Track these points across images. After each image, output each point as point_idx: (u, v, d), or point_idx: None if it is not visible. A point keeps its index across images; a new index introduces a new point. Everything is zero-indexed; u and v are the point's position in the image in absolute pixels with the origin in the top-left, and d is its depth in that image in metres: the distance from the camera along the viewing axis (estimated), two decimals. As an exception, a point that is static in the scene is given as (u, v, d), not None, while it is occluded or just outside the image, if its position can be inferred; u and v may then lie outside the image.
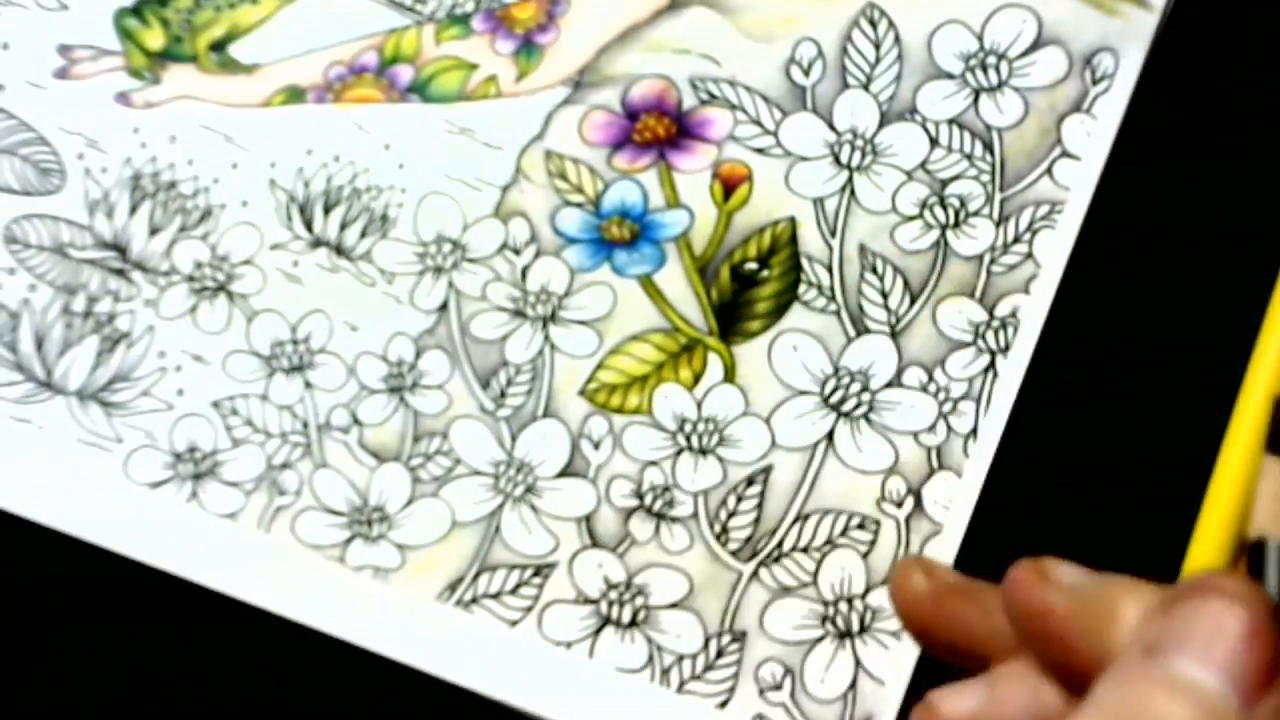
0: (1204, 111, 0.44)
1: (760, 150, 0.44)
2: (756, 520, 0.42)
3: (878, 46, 0.45)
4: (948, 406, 0.42)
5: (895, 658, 0.41)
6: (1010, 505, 0.42)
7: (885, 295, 0.43)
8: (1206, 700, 0.21)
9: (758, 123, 0.44)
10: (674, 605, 0.41)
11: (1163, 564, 0.39)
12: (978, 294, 0.43)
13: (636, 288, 0.43)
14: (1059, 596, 0.26)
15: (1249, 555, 0.25)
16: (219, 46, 0.45)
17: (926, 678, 0.41)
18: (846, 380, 0.43)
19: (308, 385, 0.42)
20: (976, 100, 0.44)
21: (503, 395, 0.42)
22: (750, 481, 0.42)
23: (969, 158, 0.44)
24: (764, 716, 0.41)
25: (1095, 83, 0.44)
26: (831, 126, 0.44)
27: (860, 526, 0.42)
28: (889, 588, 0.29)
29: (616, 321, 0.43)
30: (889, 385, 0.43)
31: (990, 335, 0.43)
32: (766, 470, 0.42)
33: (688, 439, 0.42)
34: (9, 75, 0.44)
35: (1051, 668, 0.26)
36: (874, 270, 0.43)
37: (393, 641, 0.40)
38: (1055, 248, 0.43)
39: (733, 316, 0.43)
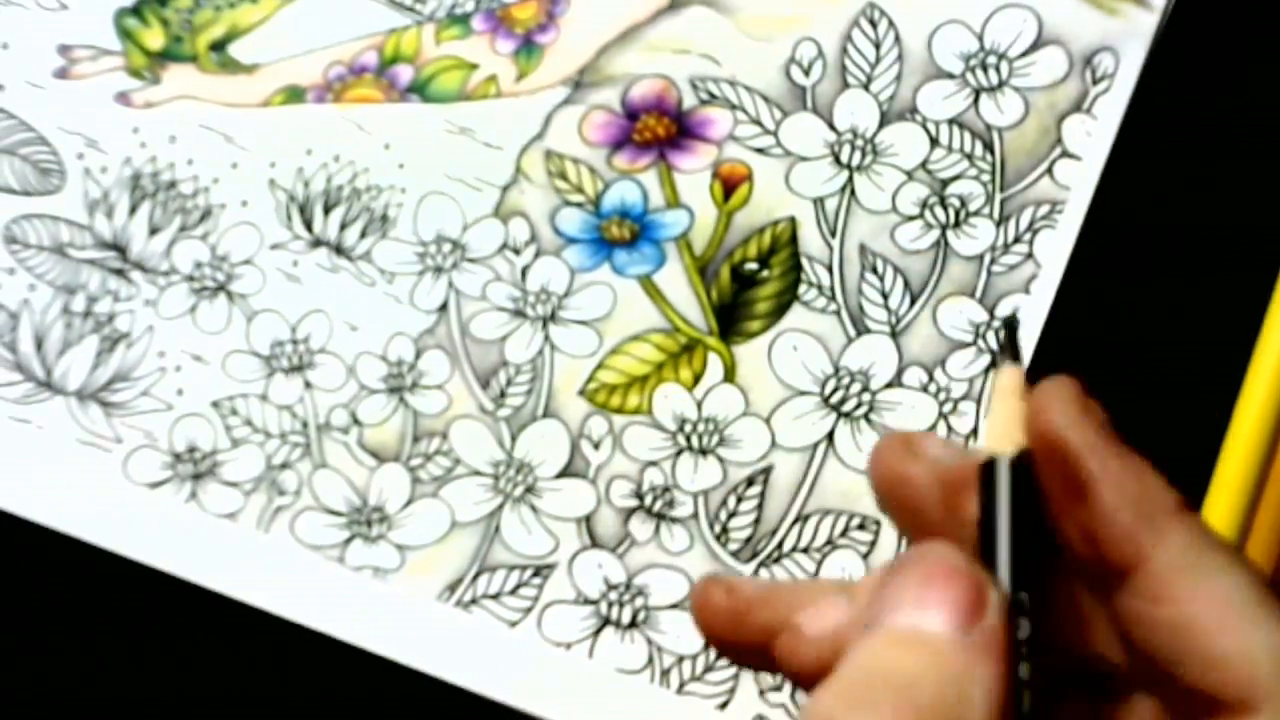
0: (1204, 111, 0.44)
1: (760, 150, 0.44)
2: (756, 521, 0.42)
3: (878, 46, 0.45)
4: (948, 407, 0.42)
5: (895, 658, 0.41)
6: (1010, 505, 0.42)
7: (885, 295, 0.43)
8: (929, 640, 0.24)
9: (758, 123, 0.44)
10: (674, 606, 0.41)
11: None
12: (978, 294, 0.43)
13: (636, 288, 0.43)
14: (919, 467, 0.27)
15: (980, 476, 0.26)
16: (219, 46, 0.45)
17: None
18: (847, 380, 0.43)
19: (307, 385, 0.42)
20: (977, 100, 0.44)
21: (503, 395, 0.42)
22: (750, 482, 0.42)
23: (969, 158, 0.44)
24: (764, 717, 0.41)
25: (1095, 83, 0.44)
26: (831, 126, 0.44)
27: (860, 527, 0.42)
28: (691, 608, 0.29)
29: (616, 321, 0.43)
30: (889, 385, 0.43)
31: (991, 335, 0.43)
32: (766, 470, 0.42)
33: (688, 439, 0.42)
34: (9, 75, 0.44)
35: (912, 538, 0.28)
36: (874, 270, 0.43)
37: (392, 642, 0.40)
38: (1055, 248, 0.43)
39: (733, 316, 0.43)
